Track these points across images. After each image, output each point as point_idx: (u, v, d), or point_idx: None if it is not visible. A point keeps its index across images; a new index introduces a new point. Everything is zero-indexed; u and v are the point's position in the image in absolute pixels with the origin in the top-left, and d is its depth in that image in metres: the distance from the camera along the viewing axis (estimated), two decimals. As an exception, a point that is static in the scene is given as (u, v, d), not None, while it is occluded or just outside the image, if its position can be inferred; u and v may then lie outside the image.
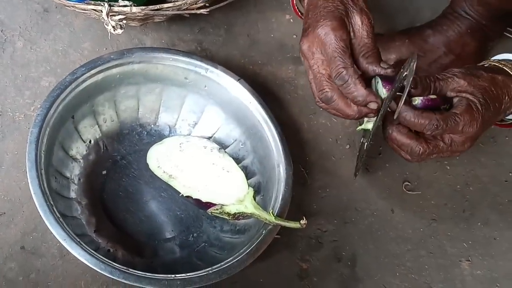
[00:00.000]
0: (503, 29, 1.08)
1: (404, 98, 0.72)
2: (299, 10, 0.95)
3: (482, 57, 1.06)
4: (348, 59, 0.74)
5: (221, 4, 0.96)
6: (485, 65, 0.84)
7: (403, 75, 0.73)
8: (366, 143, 0.84)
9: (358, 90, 0.74)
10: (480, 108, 0.75)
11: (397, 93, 0.76)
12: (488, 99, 0.76)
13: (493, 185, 0.98)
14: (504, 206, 0.97)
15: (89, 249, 0.73)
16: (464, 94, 0.76)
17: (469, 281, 0.90)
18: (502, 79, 0.78)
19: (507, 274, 0.91)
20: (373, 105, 0.75)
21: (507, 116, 0.82)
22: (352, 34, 0.77)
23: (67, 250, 0.73)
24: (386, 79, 0.76)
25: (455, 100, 0.76)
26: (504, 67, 0.81)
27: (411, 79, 0.72)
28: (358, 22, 0.77)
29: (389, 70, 0.76)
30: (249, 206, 0.82)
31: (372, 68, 0.76)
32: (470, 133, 0.75)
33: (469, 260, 0.92)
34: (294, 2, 0.89)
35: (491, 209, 0.96)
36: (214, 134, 0.94)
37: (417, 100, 0.75)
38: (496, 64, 0.82)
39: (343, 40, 0.75)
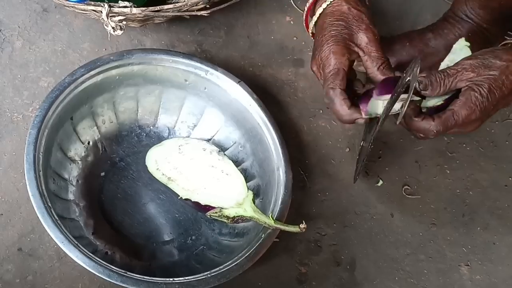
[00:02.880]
0: (503, 33, 1.08)
1: (408, 102, 0.72)
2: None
3: (483, 61, 1.06)
4: (338, 81, 0.80)
5: (222, 6, 0.96)
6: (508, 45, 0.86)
7: (406, 80, 0.73)
8: (366, 147, 0.84)
9: (342, 110, 0.80)
10: (480, 99, 0.78)
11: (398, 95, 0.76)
12: (495, 88, 0.79)
13: (493, 189, 0.98)
14: (504, 211, 0.97)
15: (87, 251, 0.73)
16: (470, 84, 0.79)
17: (468, 286, 0.90)
18: None
19: (506, 279, 0.91)
20: (360, 121, 0.80)
21: None
22: (361, 52, 0.83)
23: (65, 252, 0.72)
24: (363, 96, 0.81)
25: (462, 90, 0.79)
26: None
27: (414, 83, 0.72)
28: (365, 40, 0.83)
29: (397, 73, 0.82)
30: (248, 209, 0.81)
31: (385, 75, 0.82)
32: (472, 121, 0.79)
33: (468, 265, 0.92)
34: (308, 21, 0.92)
35: (490, 213, 0.96)
36: (213, 136, 0.94)
37: (425, 108, 0.80)
38: None
39: (341, 63, 0.81)
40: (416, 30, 1.04)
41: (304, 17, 0.92)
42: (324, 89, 0.82)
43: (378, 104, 0.80)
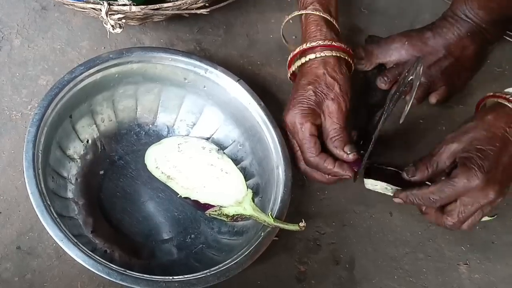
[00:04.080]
0: (502, 33, 1.08)
1: (410, 102, 0.73)
2: (283, 35, 0.99)
3: (481, 60, 1.07)
4: (313, 148, 0.85)
5: (221, 4, 0.96)
6: (483, 105, 0.88)
7: (409, 79, 0.73)
8: (367, 148, 0.84)
9: (328, 171, 0.85)
10: (474, 162, 0.78)
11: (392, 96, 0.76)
12: (483, 146, 0.79)
13: (492, 188, 0.98)
14: (503, 210, 0.96)
15: (86, 250, 0.72)
16: (459, 155, 0.80)
17: (467, 284, 0.90)
18: (492, 116, 0.82)
19: (505, 278, 0.91)
20: (347, 177, 0.85)
21: None
22: (323, 118, 0.86)
23: (64, 251, 0.72)
24: (354, 162, 0.84)
25: (457, 162, 0.80)
26: (500, 100, 0.83)
27: (417, 83, 0.72)
28: (330, 108, 0.86)
29: (350, 156, 0.84)
30: (247, 208, 0.81)
31: (336, 152, 0.85)
32: (479, 186, 0.78)
33: (467, 264, 0.92)
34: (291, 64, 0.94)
35: (489, 212, 0.96)
36: (212, 135, 0.94)
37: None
38: (497, 98, 0.84)
39: (308, 129, 0.85)
40: (415, 29, 1.04)
41: (288, 62, 0.94)
42: (304, 157, 0.86)
43: None
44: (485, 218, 0.84)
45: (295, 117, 0.86)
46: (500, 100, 0.83)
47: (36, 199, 0.74)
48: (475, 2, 0.99)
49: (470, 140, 0.80)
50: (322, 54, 0.88)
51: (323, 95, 0.86)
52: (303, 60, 0.90)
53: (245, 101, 0.90)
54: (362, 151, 0.85)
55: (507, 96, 0.83)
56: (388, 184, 0.85)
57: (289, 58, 0.93)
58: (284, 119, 0.88)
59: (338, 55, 0.89)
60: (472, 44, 1.01)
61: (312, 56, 0.88)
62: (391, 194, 0.86)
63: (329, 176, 0.87)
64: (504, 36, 1.09)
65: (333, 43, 0.89)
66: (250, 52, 1.04)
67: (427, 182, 0.83)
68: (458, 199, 0.80)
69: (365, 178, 0.88)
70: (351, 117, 0.89)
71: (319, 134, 0.87)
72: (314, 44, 0.89)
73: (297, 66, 0.91)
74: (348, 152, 0.84)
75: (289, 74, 0.95)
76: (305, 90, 0.87)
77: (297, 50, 0.91)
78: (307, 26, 0.92)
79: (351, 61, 0.92)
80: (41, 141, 0.78)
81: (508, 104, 0.82)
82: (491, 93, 0.86)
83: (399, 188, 0.85)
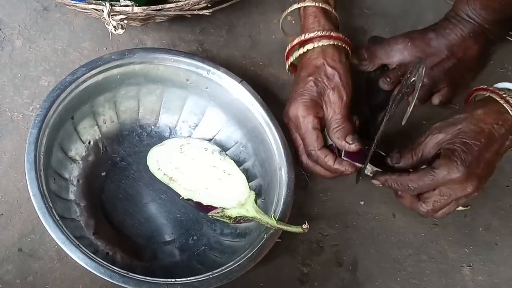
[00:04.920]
0: (505, 33, 1.08)
1: (413, 103, 0.72)
2: (282, 28, 0.99)
3: (484, 61, 1.06)
4: (315, 142, 0.84)
5: (224, 5, 0.96)
6: (473, 99, 0.89)
7: (411, 80, 0.73)
8: (370, 149, 0.83)
9: (328, 167, 0.85)
10: (457, 154, 0.79)
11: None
12: (469, 140, 0.79)
13: (495, 190, 0.97)
14: (506, 212, 0.96)
15: (88, 252, 0.72)
16: (443, 145, 0.81)
17: (470, 286, 0.90)
18: (483, 111, 0.82)
19: (508, 280, 0.91)
20: (347, 173, 0.85)
21: None
22: (325, 109, 0.86)
23: (65, 253, 0.72)
24: (348, 154, 0.84)
25: (441, 152, 0.81)
26: (493, 95, 0.84)
27: (419, 84, 0.71)
28: (331, 99, 0.85)
29: (352, 146, 0.84)
30: (250, 209, 0.81)
31: (338, 143, 0.85)
32: (459, 178, 0.79)
33: (470, 266, 0.92)
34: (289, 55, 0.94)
35: (492, 214, 0.96)
36: (215, 136, 0.93)
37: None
38: (488, 92, 0.85)
39: (310, 122, 0.85)
40: (418, 30, 1.04)
41: (286, 53, 0.94)
42: (306, 149, 0.85)
43: None
44: (460, 208, 0.84)
45: (297, 110, 0.85)
46: (492, 95, 0.83)
47: (37, 201, 0.73)
48: (478, 3, 0.98)
49: (457, 132, 0.81)
50: (320, 44, 0.88)
51: (324, 85, 0.86)
52: (301, 51, 0.89)
53: (247, 102, 0.90)
54: (367, 147, 0.85)
55: (500, 93, 0.83)
56: (370, 165, 0.85)
57: (287, 49, 0.93)
58: (286, 114, 0.87)
59: (336, 43, 0.89)
60: (475, 44, 1.01)
61: (310, 46, 0.88)
62: (370, 174, 0.86)
63: (332, 173, 0.87)
64: (507, 37, 1.09)
65: (331, 33, 0.89)
66: (253, 53, 1.04)
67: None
68: (436, 189, 0.81)
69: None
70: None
71: (322, 127, 0.86)
72: (312, 35, 0.89)
73: (296, 58, 0.91)
74: (350, 142, 0.84)
75: (287, 66, 0.95)
76: (306, 82, 0.86)
77: (295, 41, 0.91)
78: (305, 18, 0.92)
79: (349, 51, 0.92)
80: (42, 143, 0.78)
81: (500, 101, 0.82)
82: (483, 86, 0.86)
83: (379, 170, 0.85)
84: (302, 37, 0.90)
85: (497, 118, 0.81)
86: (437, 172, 0.79)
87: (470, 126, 0.81)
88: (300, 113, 0.85)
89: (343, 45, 0.90)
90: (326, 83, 0.86)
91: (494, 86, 0.85)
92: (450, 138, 0.81)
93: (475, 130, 0.80)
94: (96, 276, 0.71)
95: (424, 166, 0.82)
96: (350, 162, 0.84)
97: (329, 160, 0.84)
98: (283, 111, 0.88)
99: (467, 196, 0.81)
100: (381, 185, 0.85)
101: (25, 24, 0.98)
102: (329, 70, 0.86)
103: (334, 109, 0.85)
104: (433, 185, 0.80)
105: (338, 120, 0.85)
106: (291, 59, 0.92)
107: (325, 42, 0.88)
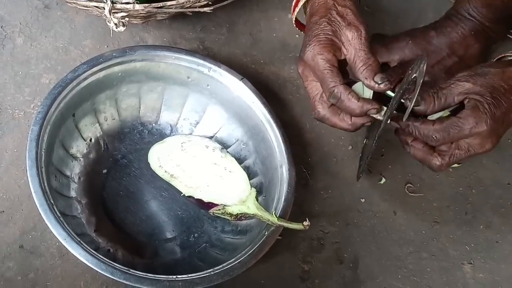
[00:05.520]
0: (506, 31, 1.08)
1: (414, 100, 0.72)
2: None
3: (485, 59, 1.06)
4: (336, 77, 0.77)
5: (224, 3, 0.96)
6: (498, 60, 0.85)
7: (412, 77, 0.73)
8: (370, 145, 0.83)
9: (352, 104, 0.77)
10: (487, 107, 0.75)
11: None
12: (498, 95, 0.76)
13: (496, 188, 0.98)
14: (507, 209, 0.96)
15: (90, 249, 0.72)
16: (471, 95, 0.76)
17: (471, 284, 0.90)
18: None
19: (509, 277, 0.91)
20: (373, 111, 0.77)
21: None
22: (344, 50, 0.80)
23: (67, 250, 0.72)
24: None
25: (465, 102, 0.76)
26: None
27: (421, 81, 0.71)
28: (348, 37, 0.79)
29: (382, 86, 0.77)
30: (251, 207, 0.81)
31: (366, 83, 0.78)
32: (484, 133, 0.75)
33: (471, 263, 0.92)
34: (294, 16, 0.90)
35: (493, 212, 0.96)
36: (216, 133, 0.93)
37: None
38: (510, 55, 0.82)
39: (328, 60, 0.78)
40: (419, 28, 1.03)
41: (293, 6, 0.89)
42: (326, 91, 0.78)
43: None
44: (455, 165, 0.81)
45: (313, 50, 0.78)
46: None
47: (39, 198, 0.73)
48: (479, 1, 0.98)
49: (487, 85, 0.76)
50: None
51: (338, 23, 0.80)
52: None
53: (248, 100, 0.90)
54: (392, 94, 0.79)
55: None
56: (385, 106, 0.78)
57: (293, 3, 0.87)
58: (300, 60, 0.81)
59: None
60: (476, 43, 1.01)
61: None
62: (381, 118, 0.78)
63: (352, 120, 0.79)
64: (508, 35, 1.09)
65: None
66: (253, 51, 1.04)
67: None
68: (454, 142, 0.77)
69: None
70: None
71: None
72: None
73: (302, 6, 0.86)
74: (380, 82, 0.77)
75: (293, 20, 0.89)
76: (319, 24, 0.80)
77: None
78: None
79: None
80: (44, 140, 0.78)
81: None
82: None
83: (400, 114, 0.77)
84: None
85: None
86: (464, 123, 0.74)
87: (500, 82, 0.76)
88: (316, 51, 0.78)
89: None
90: (340, 21, 0.80)
91: None
92: (480, 90, 0.75)
93: (505, 87, 0.76)
94: (97, 272, 0.71)
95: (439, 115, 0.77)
96: (374, 101, 0.77)
97: (353, 96, 0.76)
98: (297, 60, 0.82)
99: (482, 153, 0.76)
100: (398, 128, 0.78)
101: (26, 22, 0.98)
102: (341, 8, 0.81)
103: (354, 46, 0.78)
104: (457, 137, 0.75)
105: (363, 57, 0.78)
106: (298, 8, 0.86)
107: None
